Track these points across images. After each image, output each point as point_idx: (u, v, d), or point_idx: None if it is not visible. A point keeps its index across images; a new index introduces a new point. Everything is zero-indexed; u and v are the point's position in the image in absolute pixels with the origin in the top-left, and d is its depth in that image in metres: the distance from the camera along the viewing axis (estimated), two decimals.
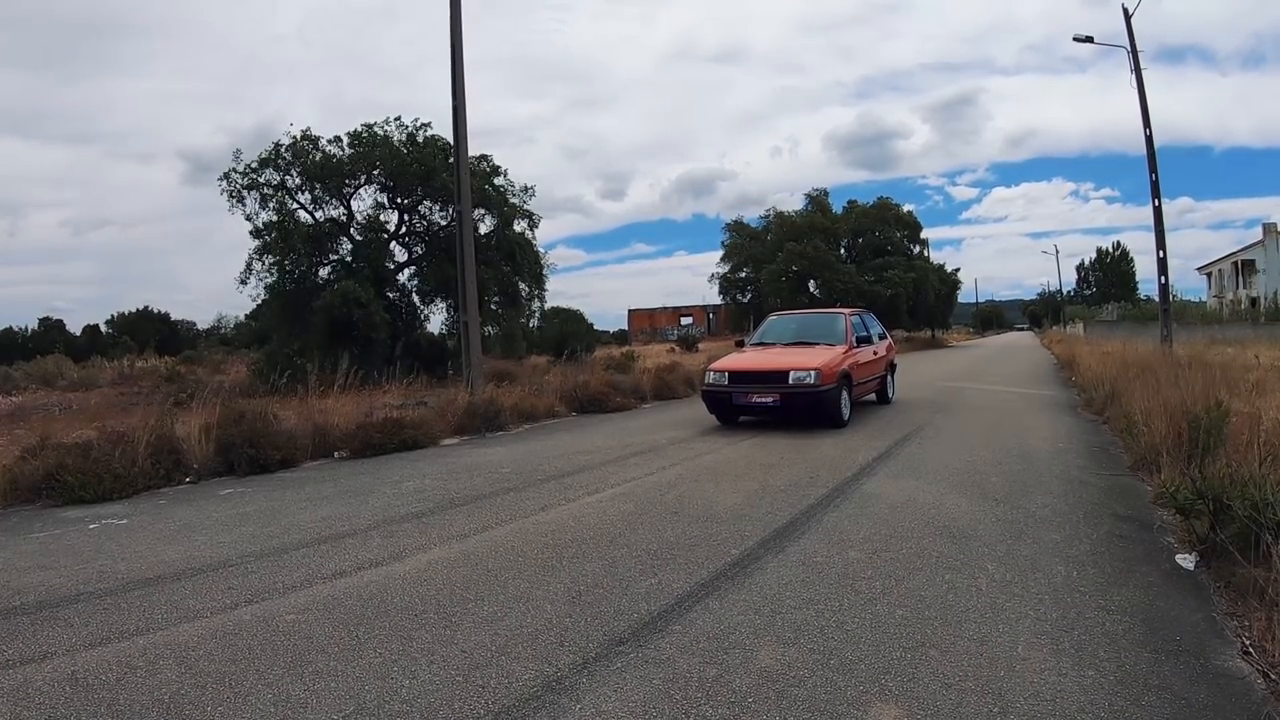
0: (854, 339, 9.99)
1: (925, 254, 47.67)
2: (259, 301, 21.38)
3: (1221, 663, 2.72)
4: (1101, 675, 2.60)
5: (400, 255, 22.45)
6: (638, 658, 2.82)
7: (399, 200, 21.66)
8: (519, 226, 22.12)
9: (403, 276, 22.45)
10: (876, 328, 11.67)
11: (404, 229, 22.20)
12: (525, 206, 22.24)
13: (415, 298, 22.44)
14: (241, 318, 45.59)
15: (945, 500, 5.20)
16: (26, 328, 60.16)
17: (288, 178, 20.76)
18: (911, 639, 2.92)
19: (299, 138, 20.74)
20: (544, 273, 22.92)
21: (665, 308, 75.30)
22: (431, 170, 20.12)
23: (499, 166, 21.92)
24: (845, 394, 9.01)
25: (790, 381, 8.67)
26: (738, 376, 9.19)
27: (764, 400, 8.83)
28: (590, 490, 5.86)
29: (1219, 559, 3.60)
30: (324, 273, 21.15)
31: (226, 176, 20.24)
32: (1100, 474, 6.03)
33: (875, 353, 10.81)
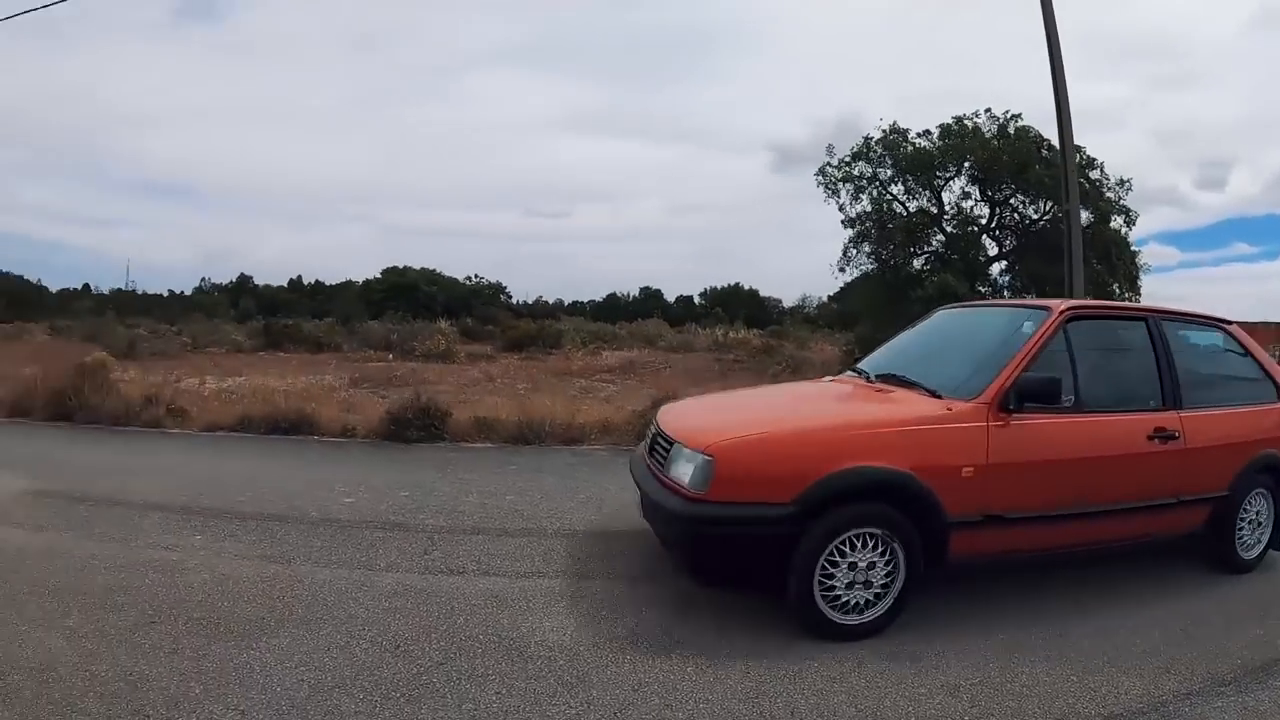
0: (1012, 380, 3.66)
1: None
2: (842, 285, 23.18)
3: None
4: None
5: (990, 249, 22.33)
6: (1236, 702, 2.97)
7: (989, 193, 21.57)
8: (1115, 223, 20.42)
9: (994, 271, 22.29)
10: (1203, 365, 4.62)
11: (994, 222, 22.02)
12: (1122, 201, 20.45)
13: (1006, 294, 22.02)
14: (824, 299, 46.70)
15: None
16: (628, 294, 72.97)
17: (880, 170, 21.89)
18: None
19: (888, 131, 21.67)
20: (1137, 274, 21.00)
21: (1268, 323, 56.48)
22: (1024, 163, 19.70)
23: (1094, 159, 20.42)
24: (918, 544, 3.47)
25: (667, 476, 3.65)
26: (660, 440, 3.97)
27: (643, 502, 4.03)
28: None
29: None
30: (918, 264, 21.96)
31: (822, 171, 22.02)
32: None
33: (1166, 434, 4.04)
